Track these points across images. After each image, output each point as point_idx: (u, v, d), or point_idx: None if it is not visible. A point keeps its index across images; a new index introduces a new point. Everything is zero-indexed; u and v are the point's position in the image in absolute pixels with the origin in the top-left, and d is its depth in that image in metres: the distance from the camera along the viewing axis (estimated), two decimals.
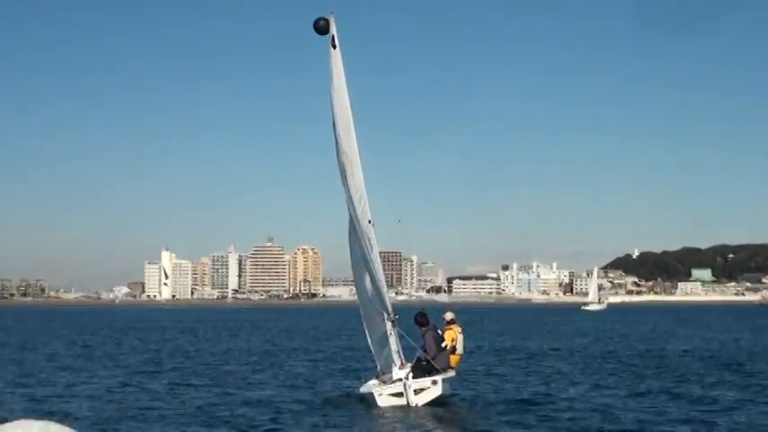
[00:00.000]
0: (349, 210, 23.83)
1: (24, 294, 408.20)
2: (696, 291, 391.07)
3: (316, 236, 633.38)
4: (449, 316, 25.28)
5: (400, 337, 24.09)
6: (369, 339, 25.10)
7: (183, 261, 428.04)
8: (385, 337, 24.05)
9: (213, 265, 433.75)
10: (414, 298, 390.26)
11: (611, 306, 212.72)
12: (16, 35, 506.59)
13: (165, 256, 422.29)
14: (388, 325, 23.77)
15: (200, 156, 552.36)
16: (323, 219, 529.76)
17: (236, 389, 28.75)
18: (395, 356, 23.77)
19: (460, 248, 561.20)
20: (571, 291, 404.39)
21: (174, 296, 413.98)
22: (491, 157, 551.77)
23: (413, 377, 22.98)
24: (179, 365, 39.07)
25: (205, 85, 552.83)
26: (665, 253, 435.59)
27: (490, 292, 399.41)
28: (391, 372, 23.72)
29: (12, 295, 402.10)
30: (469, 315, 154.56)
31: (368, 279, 24.26)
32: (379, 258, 23.91)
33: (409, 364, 23.44)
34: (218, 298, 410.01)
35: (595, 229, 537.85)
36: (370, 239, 23.39)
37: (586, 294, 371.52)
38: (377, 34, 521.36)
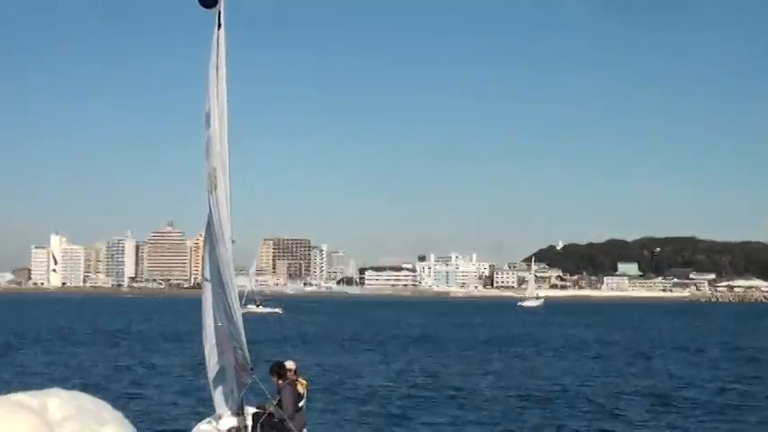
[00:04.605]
0: (211, 225, 18.07)
1: None
2: (622, 286, 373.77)
3: None
4: (291, 365, 18.75)
5: (252, 387, 18.51)
6: (208, 370, 19.21)
7: (74, 246, 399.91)
8: (229, 373, 18.92)
9: (108, 251, 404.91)
10: (323, 289, 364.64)
11: (548, 301, 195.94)
12: None
13: (55, 240, 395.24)
14: (241, 372, 18.38)
15: (95, 132, 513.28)
16: None
17: None
18: (235, 398, 18.93)
19: (374, 238, 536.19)
20: (491, 284, 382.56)
21: (64, 284, 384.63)
22: (407, 143, 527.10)
23: None
24: None
25: (102, 46, 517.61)
26: (590, 245, 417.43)
27: (405, 285, 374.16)
28: (229, 415, 19.08)
29: None
30: (386, 309, 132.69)
31: (223, 306, 18.15)
32: (236, 286, 17.75)
33: (251, 411, 18.39)
34: (113, 286, 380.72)
35: (517, 219, 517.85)
36: (228, 261, 17.77)
37: (507, 288, 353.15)
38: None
